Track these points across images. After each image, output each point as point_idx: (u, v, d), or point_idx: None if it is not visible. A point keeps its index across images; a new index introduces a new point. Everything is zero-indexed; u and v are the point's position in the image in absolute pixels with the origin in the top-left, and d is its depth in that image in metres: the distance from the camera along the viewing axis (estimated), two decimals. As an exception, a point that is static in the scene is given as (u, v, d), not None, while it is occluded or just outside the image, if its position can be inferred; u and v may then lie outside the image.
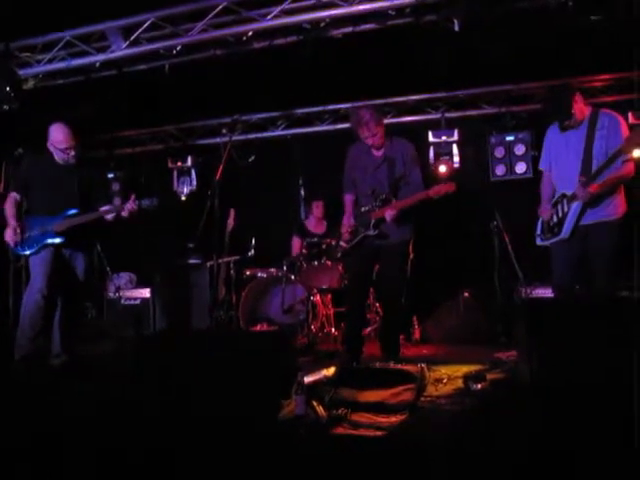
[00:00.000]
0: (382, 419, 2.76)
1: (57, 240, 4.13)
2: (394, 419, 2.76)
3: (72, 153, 4.21)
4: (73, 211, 4.19)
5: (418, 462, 2.23)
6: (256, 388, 2.70)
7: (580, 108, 3.72)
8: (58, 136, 4.17)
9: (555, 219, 3.84)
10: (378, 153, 4.30)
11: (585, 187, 3.58)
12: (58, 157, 4.22)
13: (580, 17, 3.72)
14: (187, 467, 2.26)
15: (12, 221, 4.16)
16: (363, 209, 4.29)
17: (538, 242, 4.00)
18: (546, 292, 5.22)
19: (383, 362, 4.00)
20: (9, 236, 4.14)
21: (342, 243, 4.42)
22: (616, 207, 3.68)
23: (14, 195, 4.24)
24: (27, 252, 4.14)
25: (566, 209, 3.75)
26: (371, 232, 4.20)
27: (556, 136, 3.93)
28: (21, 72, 5.08)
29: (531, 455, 2.14)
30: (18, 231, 4.12)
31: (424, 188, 4.16)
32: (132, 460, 2.31)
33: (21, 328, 4.07)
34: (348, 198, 4.43)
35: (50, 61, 5.12)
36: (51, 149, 4.21)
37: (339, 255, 4.62)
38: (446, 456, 2.25)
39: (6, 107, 4.95)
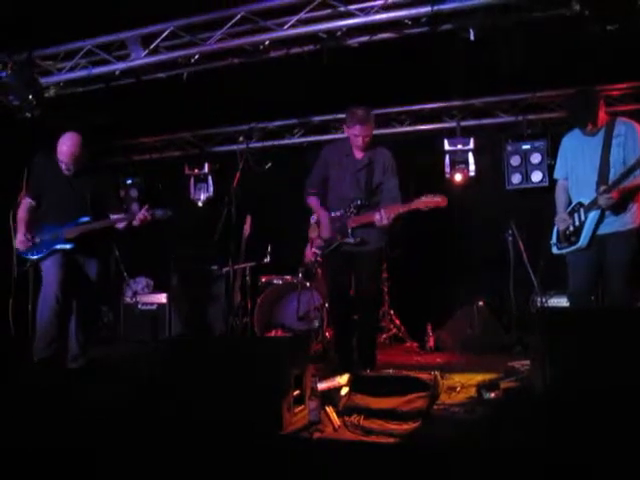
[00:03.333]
0: (394, 426, 2.77)
1: (67, 246, 4.17)
2: (406, 426, 2.76)
3: (65, 167, 4.22)
4: (85, 219, 4.24)
5: (430, 469, 2.24)
6: (269, 394, 2.72)
7: (601, 115, 3.71)
8: (60, 147, 4.20)
9: (572, 228, 3.82)
10: (360, 156, 4.23)
11: (607, 193, 3.57)
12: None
13: (596, 27, 3.71)
14: (197, 472, 2.29)
15: (22, 227, 4.23)
16: (335, 214, 4.18)
17: (554, 251, 3.98)
18: (561, 301, 5.19)
19: (396, 370, 4.01)
20: (20, 242, 4.20)
21: (315, 250, 4.30)
22: (633, 216, 3.66)
23: (29, 201, 4.30)
24: (35, 257, 4.19)
25: (583, 218, 3.73)
26: (351, 240, 4.08)
27: (572, 144, 3.92)
28: (43, 80, 5.18)
29: (542, 465, 2.14)
30: (29, 237, 4.19)
31: (400, 200, 4.07)
32: (147, 463, 2.34)
33: (38, 332, 4.13)
34: (314, 200, 4.30)
35: (71, 69, 5.20)
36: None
37: (316, 265, 4.49)
38: (457, 464, 2.25)
39: (28, 114, 5.05)
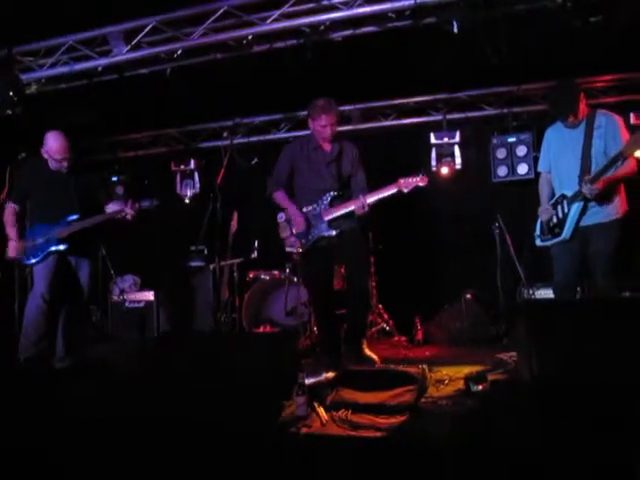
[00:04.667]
0: (382, 420, 2.77)
1: (61, 247, 4.15)
2: (394, 420, 2.77)
3: (65, 164, 4.22)
4: (74, 217, 4.21)
5: (416, 463, 2.24)
6: (258, 390, 2.71)
7: (582, 107, 3.73)
8: (54, 145, 4.18)
9: (555, 220, 3.84)
10: (328, 149, 4.27)
11: (591, 184, 3.57)
12: (52, 165, 4.24)
13: (579, 19, 3.73)
14: (186, 469, 2.28)
15: (12, 233, 4.19)
16: (307, 209, 4.19)
17: (538, 243, 4.01)
18: (548, 293, 5.22)
19: (385, 364, 4.01)
20: (13, 251, 4.16)
21: (290, 249, 4.27)
22: (616, 208, 3.68)
23: (13, 206, 4.26)
24: (32, 261, 4.17)
25: (566, 210, 3.75)
26: (332, 233, 4.11)
27: (555, 137, 3.94)
28: (24, 77, 5.11)
29: (530, 456, 2.15)
30: (22, 244, 4.15)
31: (367, 189, 4.16)
32: (132, 463, 2.32)
33: (24, 332, 4.12)
34: (282, 195, 4.28)
35: (53, 65, 5.13)
36: (45, 156, 4.23)
37: (296, 260, 4.50)
38: (445, 457, 2.26)
39: (9, 112, 4.99)
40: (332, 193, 4.15)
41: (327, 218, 4.13)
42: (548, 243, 3.90)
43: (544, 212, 3.91)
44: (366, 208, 4.02)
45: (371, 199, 4.04)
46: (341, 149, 4.28)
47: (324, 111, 4.12)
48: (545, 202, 3.96)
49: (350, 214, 4.12)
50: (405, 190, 4.03)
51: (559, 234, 3.77)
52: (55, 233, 4.15)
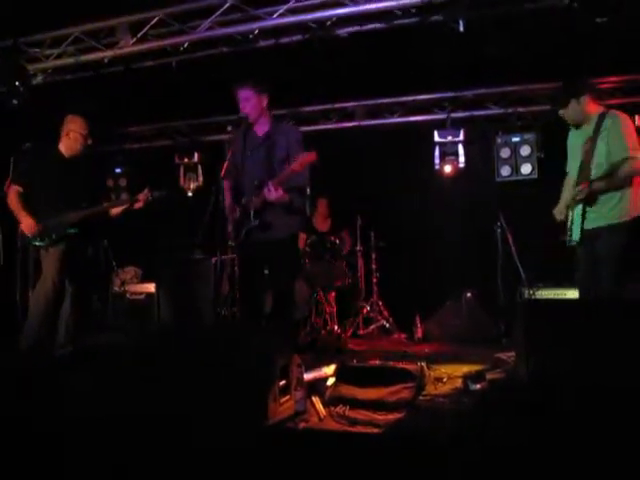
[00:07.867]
0: (380, 416, 2.79)
1: (72, 231, 4.19)
2: (391, 417, 2.78)
3: (89, 141, 4.33)
4: (84, 204, 4.26)
5: (413, 460, 2.25)
6: (252, 384, 2.72)
7: (589, 108, 3.71)
8: (80, 122, 4.29)
9: (569, 223, 3.85)
10: (260, 132, 3.85)
11: (578, 186, 3.57)
12: (73, 146, 4.28)
13: (585, 19, 3.72)
14: (180, 464, 2.29)
15: (23, 212, 4.20)
16: (244, 200, 3.82)
17: (567, 244, 3.98)
18: (549, 293, 5.22)
19: (383, 360, 4.02)
20: (28, 227, 4.15)
21: (230, 242, 3.99)
22: (621, 210, 3.63)
23: (16, 188, 4.25)
24: (42, 243, 4.18)
25: (572, 213, 3.76)
26: (253, 223, 3.70)
27: (571, 138, 3.94)
28: (30, 67, 5.12)
29: (525, 455, 2.16)
30: (35, 220, 4.16)
31: (308, 179, 3.78)
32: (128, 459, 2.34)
33: (30, 317, 4.13)
34: (226, 184, 3.90)
35: (59, 56, 5.16)
36: (71, 136, 4.28)
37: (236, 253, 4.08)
38: (441, 454, 2.27)
39: (15, 101, 5.00)
40: (256, 182, 3.70)
41: (253, 208, 3.74)
42: (570, 244, 3.89)
43: (557, 213, 3.92)
44: (274, 194, 3.54)
45: (277, 183, 3.58)
46: (275, 132, 3.85)
47: (236, 88, 3.83)
48: (562, 204, 3.95)
49: (269, 204, 3.69)
50: (300, 169, 3.60)
51: (571, 236, 3.78)
52: (67, 217, 4.18)
